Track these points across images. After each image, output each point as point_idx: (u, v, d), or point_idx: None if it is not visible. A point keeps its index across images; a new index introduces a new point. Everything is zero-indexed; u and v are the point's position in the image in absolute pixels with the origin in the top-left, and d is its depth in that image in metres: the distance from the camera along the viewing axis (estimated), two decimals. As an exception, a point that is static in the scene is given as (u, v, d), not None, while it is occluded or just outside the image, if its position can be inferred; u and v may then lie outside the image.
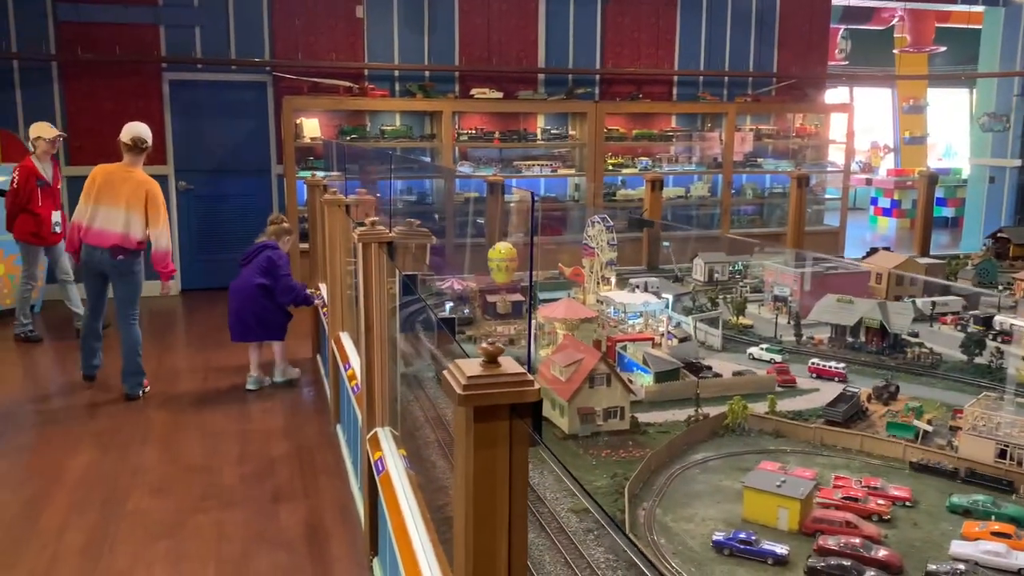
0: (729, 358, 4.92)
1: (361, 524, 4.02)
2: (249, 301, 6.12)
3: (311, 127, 9.37)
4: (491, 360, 1.53)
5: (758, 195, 11.27)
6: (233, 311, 6.23)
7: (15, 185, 7.21)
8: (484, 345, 1.54)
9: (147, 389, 6.09)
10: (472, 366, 1.53)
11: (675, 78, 10.84)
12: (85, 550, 3.88)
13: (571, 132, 10.32)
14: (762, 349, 4.91)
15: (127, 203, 5.90)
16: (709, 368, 4.55)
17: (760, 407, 3.90)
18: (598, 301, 6.01)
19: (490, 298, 5.84)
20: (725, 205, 10.70)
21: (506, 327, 5.39)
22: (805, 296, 5.85)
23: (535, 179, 10.16)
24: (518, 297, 5.84)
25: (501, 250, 5.73)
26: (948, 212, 16.55)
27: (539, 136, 10.18)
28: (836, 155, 11.75)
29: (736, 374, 4.49)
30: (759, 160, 11.05)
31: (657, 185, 7.56)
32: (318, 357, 6.87)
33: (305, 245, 8.76)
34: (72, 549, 3.89)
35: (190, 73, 9.35)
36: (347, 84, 9.30)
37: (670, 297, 5.50)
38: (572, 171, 10.23)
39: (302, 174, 9.20)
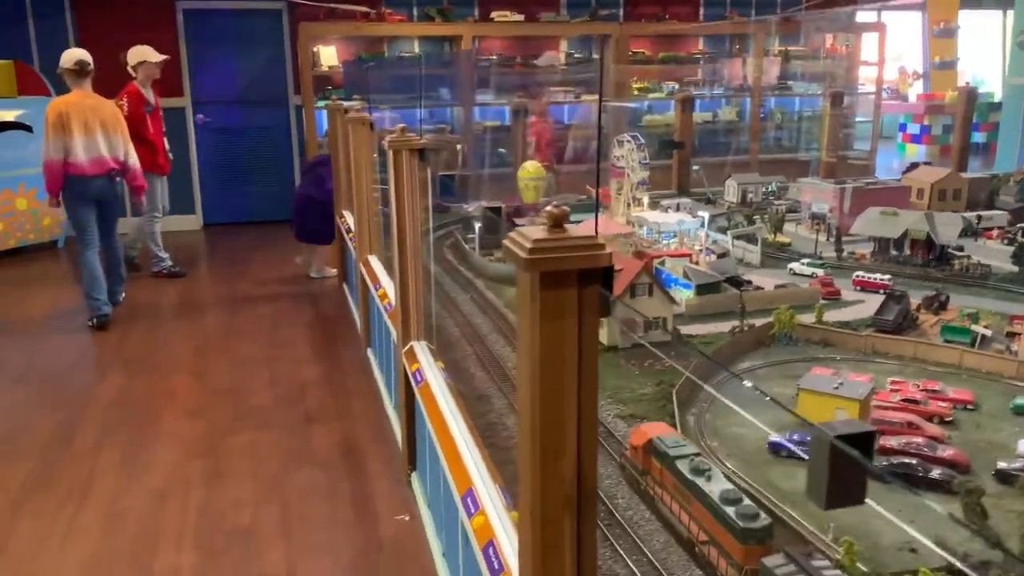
0: (768, 274, 4.80)
1: (398, 441, 3.96)
2: (311, 208, 6.78)
3: (328, 55, 9.16)
4: (556, 224, 1.40)
5: (788, 119, 10.96)
6: (297, 215, 6.93)
7: (126, 112, 6.58)
8: (549, 208, 1.41)
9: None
10: (537, 231, 1.40)
11: (701, -2, 10.48)
12: (121, 468, 3.85)
13: (595, 56, 10.02)
14: (803, 264, 4.76)
15: (109, 128, 6.00)
16: (749, 282, 4.42)
17: (807, 318, 3.77)
18: (629, 222, 5.87)
19: (518, 220, 5.71)
20: (754, 130, 10.42)
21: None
22: (844, 213, 5.68)
23: (558, 106, 9.92)
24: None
25: (530, 169, 5.58)
26: (980, 137, 16.08)
27: (562, 60, 9.89)
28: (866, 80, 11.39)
29: (778, 287, 4.36)
30: (789, 83, 10.72)
31: (687, 105, 7.33)
32: (344, 287, 6.78)
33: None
34: (108, 467, 3.86)
35: (204, 1, 9.12)
36: (364, 9, 9.03)
37: (705, 215, 5.35)
38: (595, 97, 9.95)
39: (320, 104, 9.01)
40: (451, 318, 3.93)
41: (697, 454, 2.27)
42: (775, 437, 2.57)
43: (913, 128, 16.01)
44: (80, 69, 5.94)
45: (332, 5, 8.99)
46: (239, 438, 4.15)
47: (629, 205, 5.86)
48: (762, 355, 3.40)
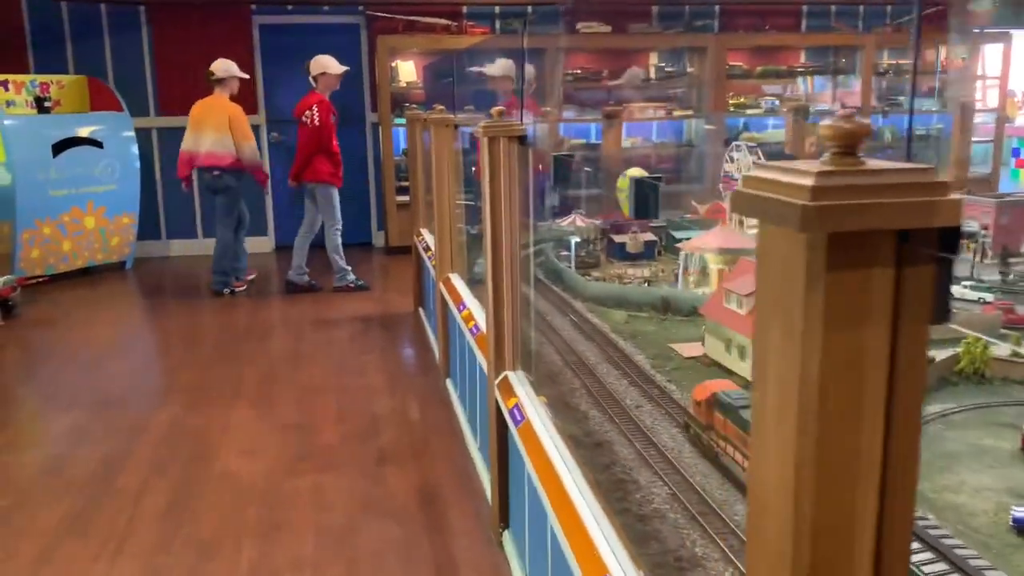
0: (921, 298, 4.06)
1: (486, 490, 3.33)
2: None
3: (407, 70, 8.73)
4: (846, 151, 0.77)
5: (897, 138, 10.09)
6: None
7: (316, 123, 6.57)
8: (840, 113, 0.77)
9: (237, 290, 7.03)
10: (812, 163, 0.76)
11: (803, 8, 9.75)
12: (166, 516, 3.31)
13: (689, 69, 9.38)
14: (966, 287, 4.01)
15: (215, 128, 6.71)
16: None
17: (999, 350, 3.05)
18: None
19: (617, 237, 5.06)
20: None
21: (638, 269, 4.61)
22: (1001, 230, 4.88)
23: (646, 122, 9.29)
24: (650, 236, 5.06)
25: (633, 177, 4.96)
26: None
27: (652, 75, 9.27)
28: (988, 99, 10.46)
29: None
30: (900, 99, 9.88)
31: (801, 114, 6.64)
32: (420, 311, 6.23)
33: (405, 198, 8.16)
34: (151, 514, 3.33)
35: (280, 16, 8.81)
36: (445, 22, 8.60)
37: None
38: (689, 112, 9.30)
39: (398, 122, 8.57)
40: (550, 344, 3.30)
41: None
42: (1019, 512, 1.86)
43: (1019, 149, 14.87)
44: (209, 76, 6.90)
45: (412, 18, 8.58)
46: (301, 481, 3.58)
47: (742, 222, 5.16)
48: (951, 395, 2.70)
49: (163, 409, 4.49)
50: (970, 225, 5.10)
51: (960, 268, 4.61)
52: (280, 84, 8.92)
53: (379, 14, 8.61)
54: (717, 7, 9.47)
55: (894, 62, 9.83)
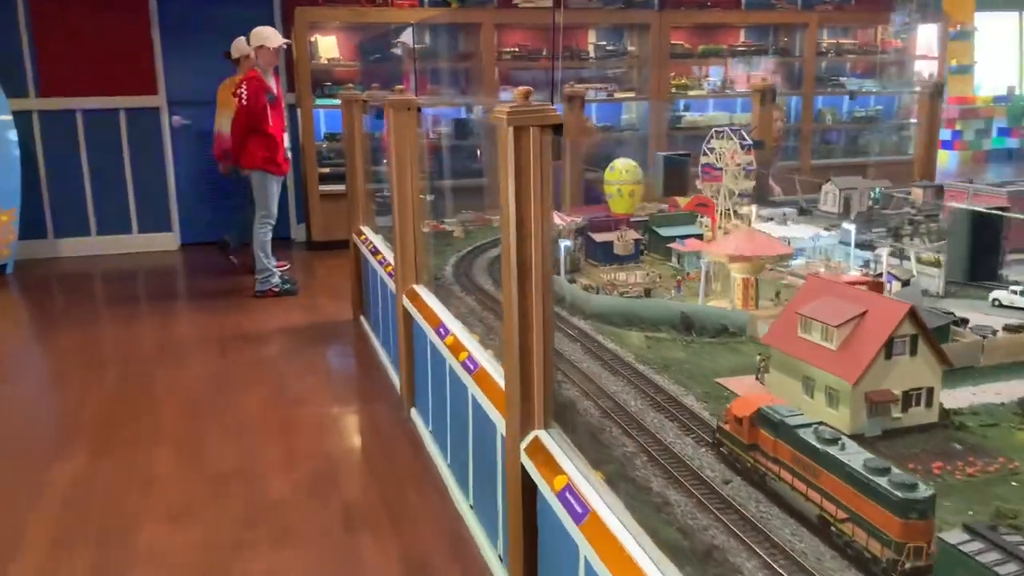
0: (961, 306, 3.58)
1: (487, 560, 2.68)
2: None
3: (328, 46, 7.88)
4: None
5: (837, 120, 9.84)
6: None
7: (245, 101, 5.87)
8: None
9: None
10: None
11: (744, -16, 9.34)
12: (77, 625, 2.53)
13: (629, 48, 8.82)
14: (1015, 292, 3.57)
15: (225, 108, 6.56)
16: (964, 321, 3.20)
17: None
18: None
19: (598, 236, 4.44)
20: (806, 132, 9.27)
21: (629, 274, 4.00)
22: (1015, 222, 4.50)
23: (586, 104, 8.70)
24: (633, 234, 4.46)
25: (622, 169, 4.31)
26: (1013, 143, 15.16)
27: (592, 54, 8.68)
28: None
29: (1011, 328, 3.15)
30: (841, 79, 9.61)
31: (768, 96, 6.17)
32: (363, 321, 5.48)
33: (336, 187, 7.34)
34: (57, 623, 2.54)
35: (181, -15, 7.81)
36: (370, -8, 7.77)
37: (852, 228, 4.11)
38: (631, 94, 8.76)
39: (320, 103, 7.73)
40: (569, 381, 2.65)
41: (819, 422, 1.98)
42: None
43: (944, 133, 15.01)
44: (228, 56, 6.81)
45: (332, -13, 7.72)
46: (254, 562, 2.84)
47: (729, 215, 4.63)
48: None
49: (63, 459, 3.64)
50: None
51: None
52: (184, 61, 7.92)
53: (295, -17, 7.72)
54: (658, -18, 8.94)
55: (835, 41, 9.53)
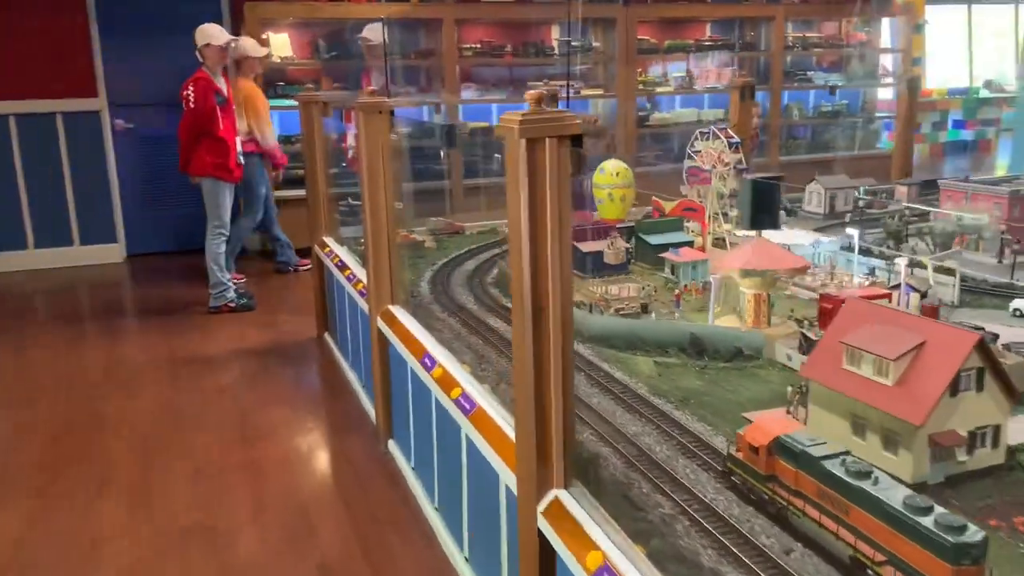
0: (980, 316, 3.35)
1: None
2: None
3: (280, 44, 7.45)
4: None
5: (804, 115, 9.69)
6: None
7: (192, 103, 5.51)
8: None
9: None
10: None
11: (709, -23, 9.11)
12: None
13: (594, 43, 8.53)
14: (1035, 302, 3.35)
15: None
16: (995, 336, 2.96)
17: None
18: (731, 244, 4.38)
19: (584, 246, 4.14)
20: (775, 127, 9.09)
21: (621, 287, 3.70)
22: (1018, 226, 4.30)
23: (560, 102, 8.39)
24: (624, 243, 4.18)
25: (612, 171, 3.97)
26: (968, 135, 15.23)
27: (556, 49, 8.38)
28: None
29: (1049, 344, 2.92)
30: (808, 74, 9.45)
31: (747, 93, 5.92)
32: (328, 339, 5.10)
33: (292, 192, 6.95)
34: None
35: (120, -21, 7.32)
36: (324, -13, 7.36)
37: (855, 234, 3.86)
38: (599, 91, 8.47)
39: (274, 104, 7.29)
40: (579, 421, 2.34)
41: (846, 452, 1.82)
42: None
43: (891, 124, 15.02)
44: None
45: (283, -18, 7.29)
46: (223, 637, 2.48)
47: (723, 216, 4.38)
48: None
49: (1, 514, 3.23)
50: (980, 219, 4.51)
51: (981, 270, 3.98)
52: (126, 61, 7.43)
53: (244, -23, 7.28)
54: (623, -26, 8.66)
55: (801, 35, 9.37)
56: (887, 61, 10.22)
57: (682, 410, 2.44)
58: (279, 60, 7.36)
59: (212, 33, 5.59)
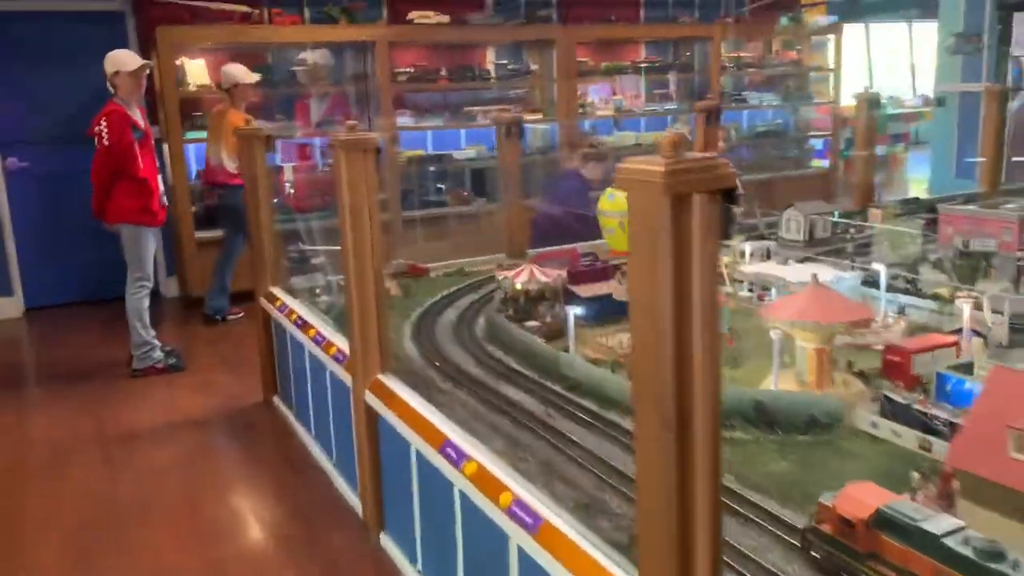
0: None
1: None
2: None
3: (196, 71, 6.79)
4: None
5: (741, 136, 9.56)
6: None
7: (106, 141, 4.84)
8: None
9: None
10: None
11: (642, -4, 8.88)
12: None
13: (532, 67, 8.17)
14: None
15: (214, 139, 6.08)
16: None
17: None
18: (732, 280, 4.03)
19: (583, 291, 3.70)
20: (719, 149, 8.89)
21: (611, 338, 3.27)
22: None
23: (489, 128, 7.97)
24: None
25: (623, 198, 3.56)
26: (880, 150, 15.57)
27: (493, 73, 7.97)
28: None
29: None
30: (744, 94, 9.34)
31: (713, 117, 5.64)
32: (278, 403, 4.50)
33: (215, 233, 6.31)
34: None
35: (12, 2, 6.51)
36: (243, 8, 6.73)
37: (882, 268, 3.55)
38: (540, 116, 8.09)
39: (191, 136, 6.64)
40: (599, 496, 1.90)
41: (963, 527, 1.59)
42: None
43: (816, 142, 15.25)
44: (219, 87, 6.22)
45: (198, 3, 6.65)
46: None
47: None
48: None
49: None
50: (984, 243, 4.30)
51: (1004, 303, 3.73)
52: (18, 95, 6.63)
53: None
54: (556, -6, 8.32)
55: (735, 54, 9.25)
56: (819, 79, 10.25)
57: (781, 502, 2.02)
58: (196, 88, 6.69)
59: (122, 60, 4.96)
